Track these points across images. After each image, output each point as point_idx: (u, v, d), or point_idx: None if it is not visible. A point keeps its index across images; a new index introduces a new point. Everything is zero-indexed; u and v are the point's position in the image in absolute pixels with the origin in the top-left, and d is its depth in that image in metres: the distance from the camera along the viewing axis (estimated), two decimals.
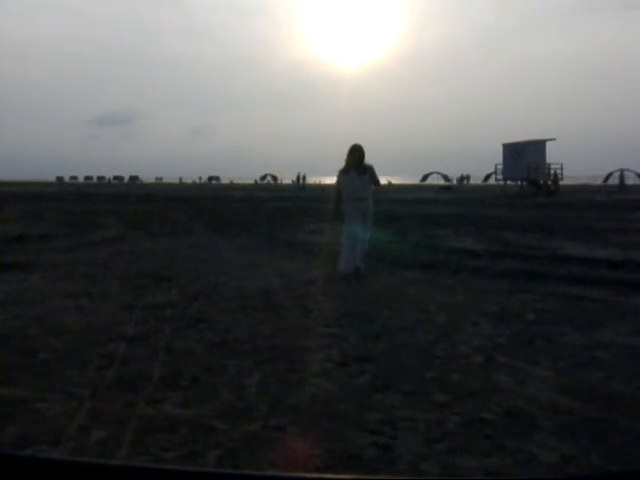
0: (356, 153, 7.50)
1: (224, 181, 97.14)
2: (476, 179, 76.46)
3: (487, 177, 68.49)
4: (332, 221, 7.90)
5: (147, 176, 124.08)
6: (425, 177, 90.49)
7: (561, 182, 37.55)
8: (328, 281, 7.14)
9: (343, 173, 7.55)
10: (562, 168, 37.83)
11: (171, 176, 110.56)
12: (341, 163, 7.63)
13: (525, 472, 2.63)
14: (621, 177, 43.78)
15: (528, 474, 2.64)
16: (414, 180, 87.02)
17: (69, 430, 3.00)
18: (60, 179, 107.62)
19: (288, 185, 68.51)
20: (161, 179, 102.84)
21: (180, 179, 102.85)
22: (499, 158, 40.12)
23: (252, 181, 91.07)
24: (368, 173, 7.49)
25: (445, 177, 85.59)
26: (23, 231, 12.61)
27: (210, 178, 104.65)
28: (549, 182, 36.56)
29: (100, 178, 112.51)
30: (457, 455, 2.77)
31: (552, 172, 37.18)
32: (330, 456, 2.75)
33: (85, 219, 16.46)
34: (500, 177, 41.13)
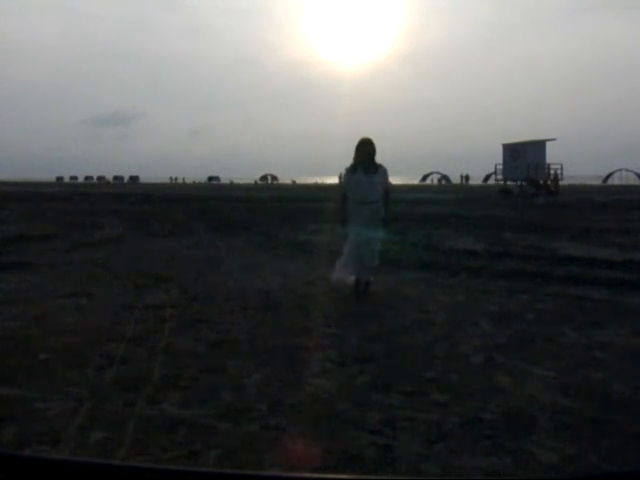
0: (365, 148, 6.47)
1: (224, 181, 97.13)
2: (476, 179, 76.46)
3: (487, 177, 68.49)
4: (334, 224, 6.99)
5: (153, 176, 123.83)
6: (425, 177, 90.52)
7: (561, 182, 37.51)
8: (328, 281, 7.12)
9: (350, 172, 6.54)
10: (562, 168, 37.81)
11: (172, 176, 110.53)
12: (341, 162, 7.02)
13: (525, 472, 2.63)
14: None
15: (528, 474, 2.64)
16: (414, 180, 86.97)
17: (69, 430, 3.00)
18: (72, 178, 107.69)
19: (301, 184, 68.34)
20: (175, 179, 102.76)
21: (183, 179, 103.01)
22: (499, 158, 40.07)
23: (252, 181, 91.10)
24: (379, 173, 6.46)
25: (445, 177, 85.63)
26: (23, 231, 12.61)
27: (210, 178, 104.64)
28: (549, 182, 36.51)
29: (100, 178, 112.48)
30: (457, 455, 2.77)
31: (552, 172, 37.14)
32: (330, 456, 2.75)
33: (85, 219, 16.45)
34: (500, 177, 41.10)
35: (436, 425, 3.09)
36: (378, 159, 6.50)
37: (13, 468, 0.86)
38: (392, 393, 3.53)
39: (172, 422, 3.10)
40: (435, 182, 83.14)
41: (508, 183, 39.20)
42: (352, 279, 6.51)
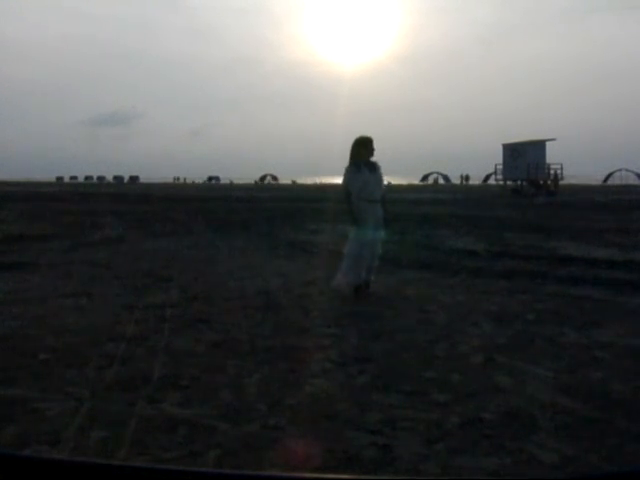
0: (369, 147, 6.39)
1: (224, 181, 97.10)
2: (475, 179, 76.45)
3: (487, 177, 68.47)
4: (349, 225, 6.58)
5: (153, 176, 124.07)
6: (425, 177, 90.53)
7: (561, 182, 37.53)
8: (328, 281, 7.10)
9: (354, 171, 6.34)
10: (562, 168, 37.84)
11: (171, 176, 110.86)
12: (341, 162, 6.66)
13: (525, 472, 2.63)
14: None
15: (528, 474, 2.64)
16: (414, 180, 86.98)
17: (69, 430, 3.00)
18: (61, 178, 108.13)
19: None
20: (178, 179, 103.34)
21: (184, 179, 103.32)
22: (499, 158, 40.09)
23: (252, 181, 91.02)
24: (379, 171, 6.45)
25: (445, 177, 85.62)
26: (23, 231, 12.61)
27: (210, 178, 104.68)
28: (549, 182, 36.54)
29: (100, 178, 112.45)
30: (457, 455, 2.77)
31: (552, 172, 37.15)
32: (330, 456, 2.75)
33: (85, 219, 16.45)
34: (500, 177, 41.11)
35: (436, 425, 3.08)
36: (378, 159, 6.49)
37: (13, 468, 0.86)
38: (392, 393, 3.53)
39: (172, 422, 3.10)
40: (431, 182, 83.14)
41: (509, 183, 39.21)
42: (352, 289, 6.33)
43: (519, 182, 38.03)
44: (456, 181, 78.91)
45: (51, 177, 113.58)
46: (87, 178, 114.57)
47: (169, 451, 2.79)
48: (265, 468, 2.63)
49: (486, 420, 3.14)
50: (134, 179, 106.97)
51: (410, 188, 51.07)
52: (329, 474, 2.66)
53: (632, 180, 68.19)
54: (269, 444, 2.86)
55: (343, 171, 6.52)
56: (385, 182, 6.73)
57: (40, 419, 3.14)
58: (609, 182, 69.38)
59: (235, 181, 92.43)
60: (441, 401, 3.40)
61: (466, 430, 3.03)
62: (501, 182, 41.15)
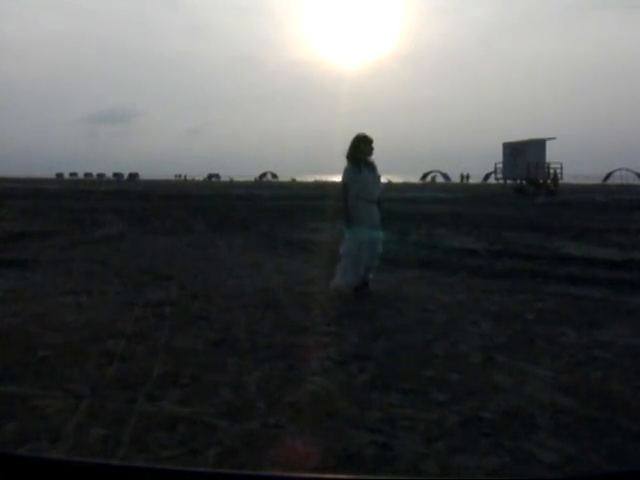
0: (370, 145, 6.34)
1: (224, 179, 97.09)
2: (475, 178, 76.44)
3: (487, 176, 68.45)
4: (344, 225, 6.45)
5: (153, 173, 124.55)
6: (424, 176, 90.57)
7: (561, 181, 37.51)
8: (327, 281, 7.09)
9: (354, 171, 6.28)
10: (562, 167, 37.81)
11: (171, 174, 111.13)
12: (341, 161, 6.50)
13: (525, 472, 2.63)
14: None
15: (528, 474, 2.64)
16: (414, 179, 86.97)
17: (68, 427, 3.00)
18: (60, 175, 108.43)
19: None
20: (180, 176, 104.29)
21: (184, 177, 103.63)
22: (499, 157, 40.06)
23: (252, 179, 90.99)
24: (376, 170, 6.42)
25: (445, 176, 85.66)
26: (23, 228, 12.60)
27: (210, 176, 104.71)
28: (549, 181, 36.52)
29: (100, 175, 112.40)
30: (456, 454, 2.77)
31: (552, 171, 37.14)
32: (329, 455, 2.75)
33: (85, 216, 16.44)
34: (500, 176, 41.09)
35: (435, 424, 3.08)
36: (377, 158, 6.48)
37: (13, 468, 0.86)
38: (392, 392, 3.53)
39: (172, 420, 3.10)
40: (429, 180, 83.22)
41: (509, 182, 39.18)
42: (351, 288, 6.28)
43: (520, 181, 38.00)
44: (456, 180, 78.95)
45: (51, 174, 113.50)
46: (87, 175, 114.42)
47: (169, 449, 2.79)
48: (265, 466, 2.63)
49: (486, 419, 3.14)
50: (133, 176, 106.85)
51: (408, 187, 51.05)
52: (329, 474, 2.66)
53: (632, 180, 68.13)
54: (269, 442, 2.86)
55: (343, 170, 6.45)
56: (385, 181, 6.74)
57: (40, 416, 3.14)
58: (609, 181, 69.35)
59: (235, 179, 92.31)
60: (441, 400, 3.40)
61: (466, 429, 3.03)
62: (501, 181, 41.13)
